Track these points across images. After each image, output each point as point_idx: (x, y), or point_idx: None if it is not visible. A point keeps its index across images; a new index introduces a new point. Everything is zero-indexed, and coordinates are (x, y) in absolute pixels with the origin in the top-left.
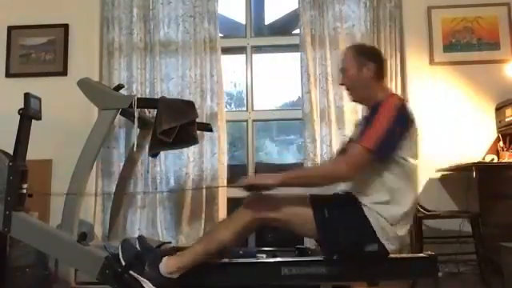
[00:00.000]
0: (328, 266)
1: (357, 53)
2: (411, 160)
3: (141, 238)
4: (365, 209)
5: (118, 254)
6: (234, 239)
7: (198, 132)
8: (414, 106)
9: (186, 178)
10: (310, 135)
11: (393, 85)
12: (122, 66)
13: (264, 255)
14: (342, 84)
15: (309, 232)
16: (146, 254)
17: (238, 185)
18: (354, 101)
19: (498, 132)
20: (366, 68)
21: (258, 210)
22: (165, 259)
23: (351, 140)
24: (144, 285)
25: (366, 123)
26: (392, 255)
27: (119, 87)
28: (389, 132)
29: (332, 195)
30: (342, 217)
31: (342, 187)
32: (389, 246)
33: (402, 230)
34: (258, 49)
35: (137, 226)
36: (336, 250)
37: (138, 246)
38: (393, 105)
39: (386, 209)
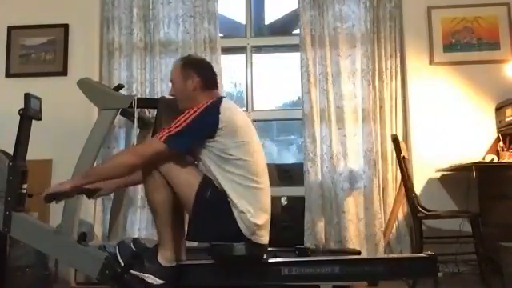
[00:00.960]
0: (328, 266)
1: (183, 66)
2: (244, 156)
3: (136, 240)
4: (232, 207)
5: (116, 256)
6: (168, 192)
7: None
8: (414, 105)
9: None
10: (310, 135)
11: (393, 85)
12: (122, 66)
13: (264, 255)
14: (171, 95)
15: (186, 204)
16: (143, 252)
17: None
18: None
19: (498, 132)
20: (190, 80)
21: (159, 167)
22: (159, 251)
23: None
24: (148, 280)
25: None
26: (392, 255)
27: (119, 87)
28: (184, 129)
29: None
30: (215, 208)
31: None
32: (256, 239)
33: (260, 219)
34: (258, 49)
35: (137, 226)
36: (202, 236)
37: (132, 247)
38: (200, 106)
39: (240, 204)
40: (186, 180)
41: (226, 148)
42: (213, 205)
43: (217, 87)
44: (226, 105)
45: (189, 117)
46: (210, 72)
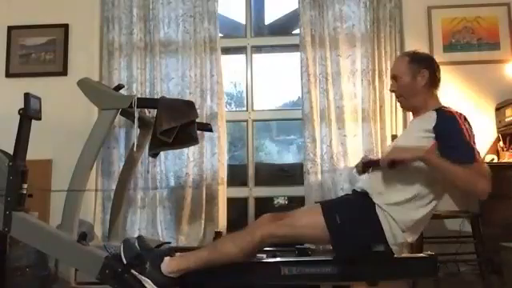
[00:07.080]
0: (328, 266)
1: (412, 60)
2: None
3: (140, 238)
4: (378, 210)
5: (120, 254)
6: (240, 255)
7: (198, 132)
8: None
9: (186, 177)
10: (309, 135)
11: None
12: (122, 66)
13: (264, 255)
14: (392, 91)
15: (322, 240)
16: (146, 254)
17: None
18: (404, 108)
19: (498, 132)
20: (420, 76)
21: (269, 228)
22: (166, 259)
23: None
24: (145, 284)
25: (449, 138)
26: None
27: (119, 87)
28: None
29: (343, 199)
30: (353, 220)
31: (359, 184)
32: (394, 249)
33: (412, 237)
34: (258, 49)
35: (137, 225)
36: (349, 252)
37: (137, 246)
38: (458, 117)
39: (400, 212)
40: (308, 222)
41: None
42: (350, 223)
43: (437, 86)
44: None
45: (463, 128)
46: (437, 68)
